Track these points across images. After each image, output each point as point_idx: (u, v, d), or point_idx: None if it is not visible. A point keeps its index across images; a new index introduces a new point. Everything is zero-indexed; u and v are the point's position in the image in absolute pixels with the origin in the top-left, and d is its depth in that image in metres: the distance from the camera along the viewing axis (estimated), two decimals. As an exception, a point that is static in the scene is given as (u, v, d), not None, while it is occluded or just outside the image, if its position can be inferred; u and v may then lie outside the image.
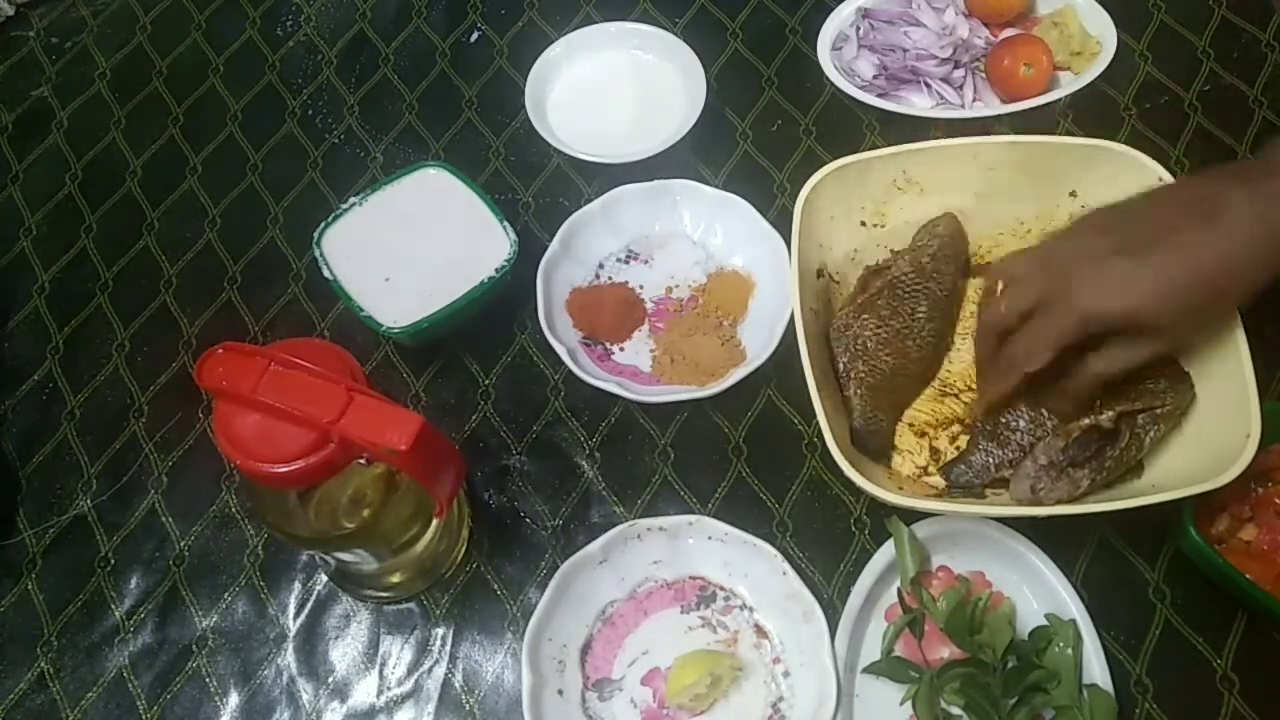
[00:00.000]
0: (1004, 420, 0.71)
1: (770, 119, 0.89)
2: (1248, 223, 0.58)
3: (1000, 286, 0.66)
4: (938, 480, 0.72)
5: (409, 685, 0.69)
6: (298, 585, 0.72)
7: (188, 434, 0.77)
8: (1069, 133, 0.85)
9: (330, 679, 0.69)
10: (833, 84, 0.87)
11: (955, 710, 0.65)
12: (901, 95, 0.87)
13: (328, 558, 0.70)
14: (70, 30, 0.97)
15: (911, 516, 0.68)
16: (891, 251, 0.78)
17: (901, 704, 0.65)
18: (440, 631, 0.70)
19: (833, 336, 0.73)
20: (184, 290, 0.83)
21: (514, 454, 0.76)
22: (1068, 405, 0.68)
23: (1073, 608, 0.66)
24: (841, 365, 0.72)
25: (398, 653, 0.70)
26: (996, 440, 0.70)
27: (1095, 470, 0.66)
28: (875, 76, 0.88)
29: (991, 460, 0.70)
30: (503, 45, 0.94)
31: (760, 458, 0.75)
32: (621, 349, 0.78)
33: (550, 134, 0.85)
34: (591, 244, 0.81)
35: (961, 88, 0.87)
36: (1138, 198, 0.66)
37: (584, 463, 0.75)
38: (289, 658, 0.70)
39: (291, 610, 0.71)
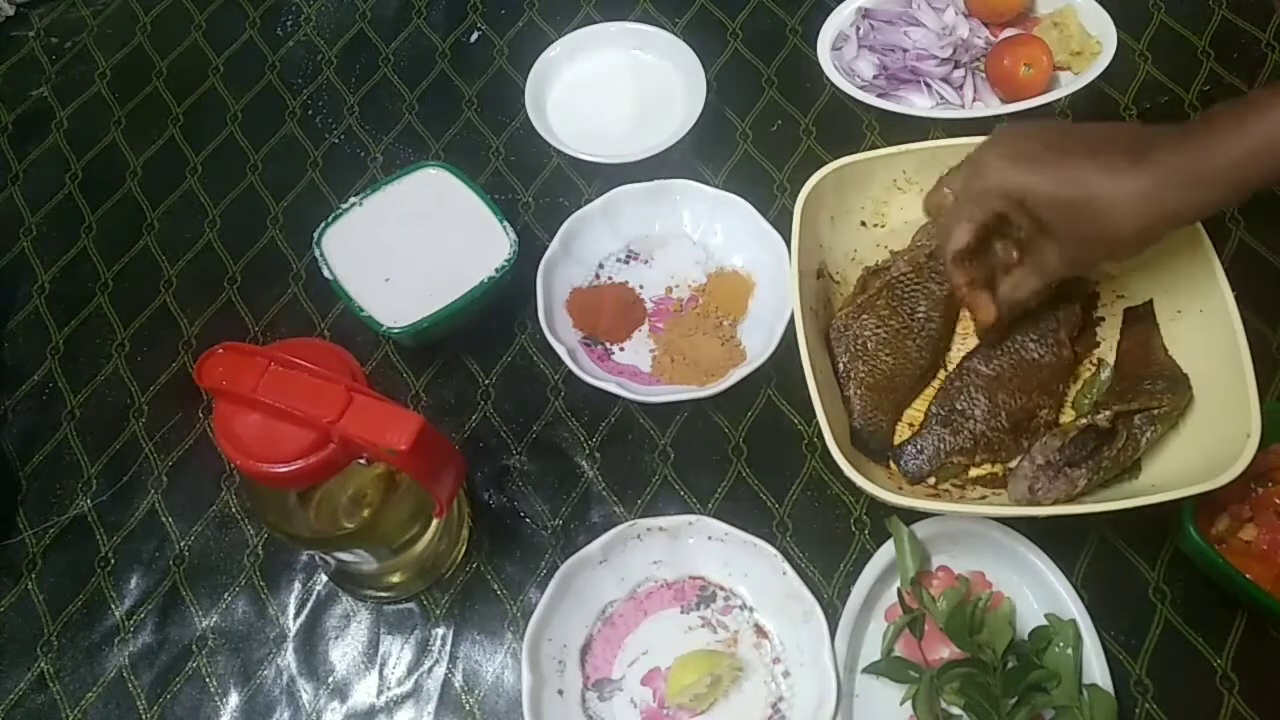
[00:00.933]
0: (959, 408, 0.71)
1: (770, 119, 0.89)
2: (1170, 163, 0.58)
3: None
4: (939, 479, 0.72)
5: (409, 685, 0.69)
6: (298, 585, 0.72)
7: (188, 434, 0.77)
8: (1069, 133, 0.85)
9: (330, 679, 0.69)
10: (833, 84, 0.87)
11: (955, 710, 0.65)
12: (901, 95, 0.87)
13: (328, 558, 0.70)
14: (70, 30, 0.97)
15: (911, 516, 0.68)
16: (891, 252, 0.78)
17: (901, 704, 0.65)
18: (440, 631, 0.70)
19: (833, 336, 0.73)
20: (184, 290, 0.83)
21: (514, 454, 0.76)
22: (991, 335, 0.71)
23: (1073, 608, 0.66)
24: (841, 365, 0.72)
25: (398, 653, 0.70)
26: (950, 427, 0.71)
27: (1092, 470, 0.66)
28: (875, 76, 0.88)
29: (943, 446, 0.71)
30: (503, 45, 0.94)
31: (760, 458, 0.75)
32: (621, 349, 0.78)
33: (550, 134, 0.85)
34: (591, 244, 0.81)
35: (961, 88, 0.87)
36: (1081, 123, 0.68)
37: (584, 463, 0.75)
38: (289, 658, 0.70)
39: (291, 610, 0.71)
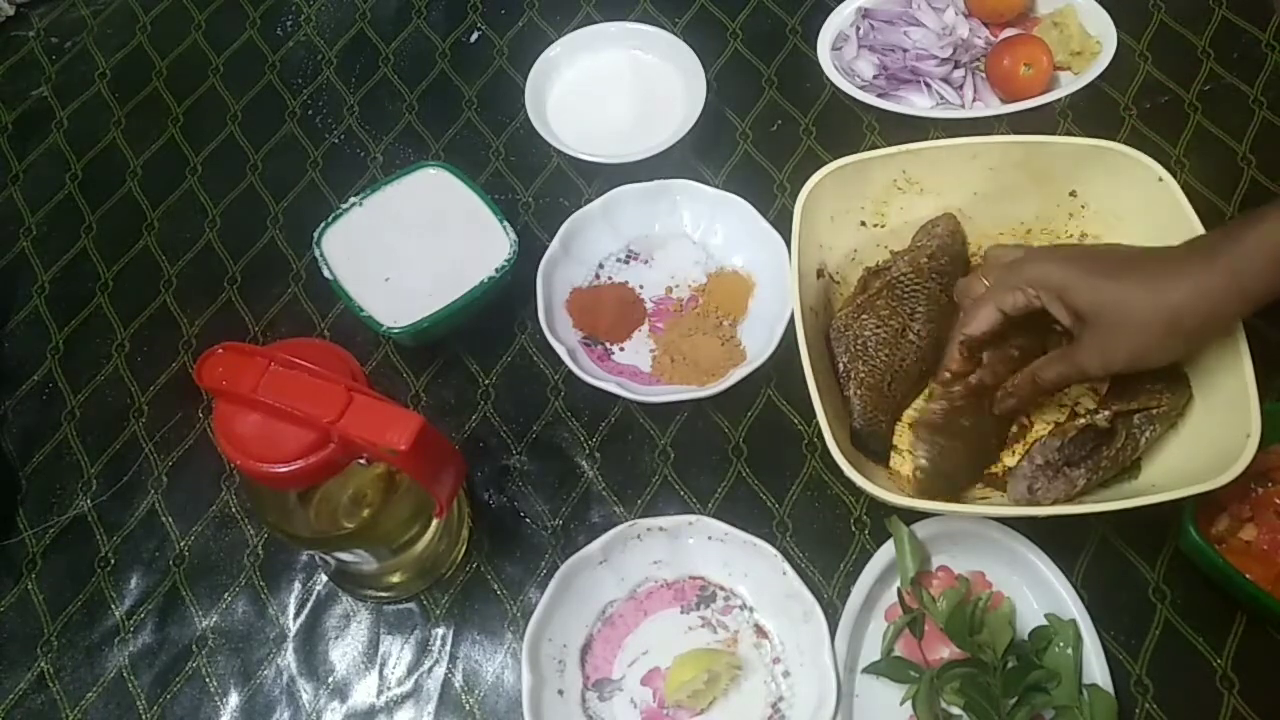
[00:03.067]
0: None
1: (770, 119, 0.89)
2: (1212, 274, 0.60)
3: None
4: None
5: (409, 685, 0.69)
6: (298, 585, 0.72)
7: (188, 434, 0.77)
8: (1069, 133, 0.85)
9: (330, 679, 0.69)
10: (833, 84, 0.87)
11: (955, 710, 0.65)
12: (901, 95, 0.87)
13: (328, 558, 0.70)
14: (70, 30, 0.97)
15: (911, 516, 0.68)
16: (891, 252, 0.78)
17: (901, 704, 0.65)
18: (440, 631, 0.70)
19: (833, 336, 0.73)
20: (184, 290, 0.83)
21: (514, 454, 0.76)
22: (1008, 402, 0.69)
23: (1073, 608, 0.66)
24: (841, 365, 0.72)
25: (398, 653, 0.70)
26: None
27: (1091, 470, 0.66)
28: (875, 76, 0.88)
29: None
30: (503, 45, 0.94)
31: (760, 458, 0.75)
32: (621, 349, 0.78)
33: (550, 134, 0.85)
34: (591, 244, 0.81)
35: (961, 88, 0.87)
36: (1127, 245, 0.69)
37: (584, 463, 0.75)
38: (289, 658, 0.70)
39: (291, 610, 0.71)
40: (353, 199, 0.78)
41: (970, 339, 0.67)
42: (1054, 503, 0.66)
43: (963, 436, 0.70)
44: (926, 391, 0.74)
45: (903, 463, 0.72)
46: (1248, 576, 0.64)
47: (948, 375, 0.70)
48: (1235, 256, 0.59)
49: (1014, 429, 0.73)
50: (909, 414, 0.74)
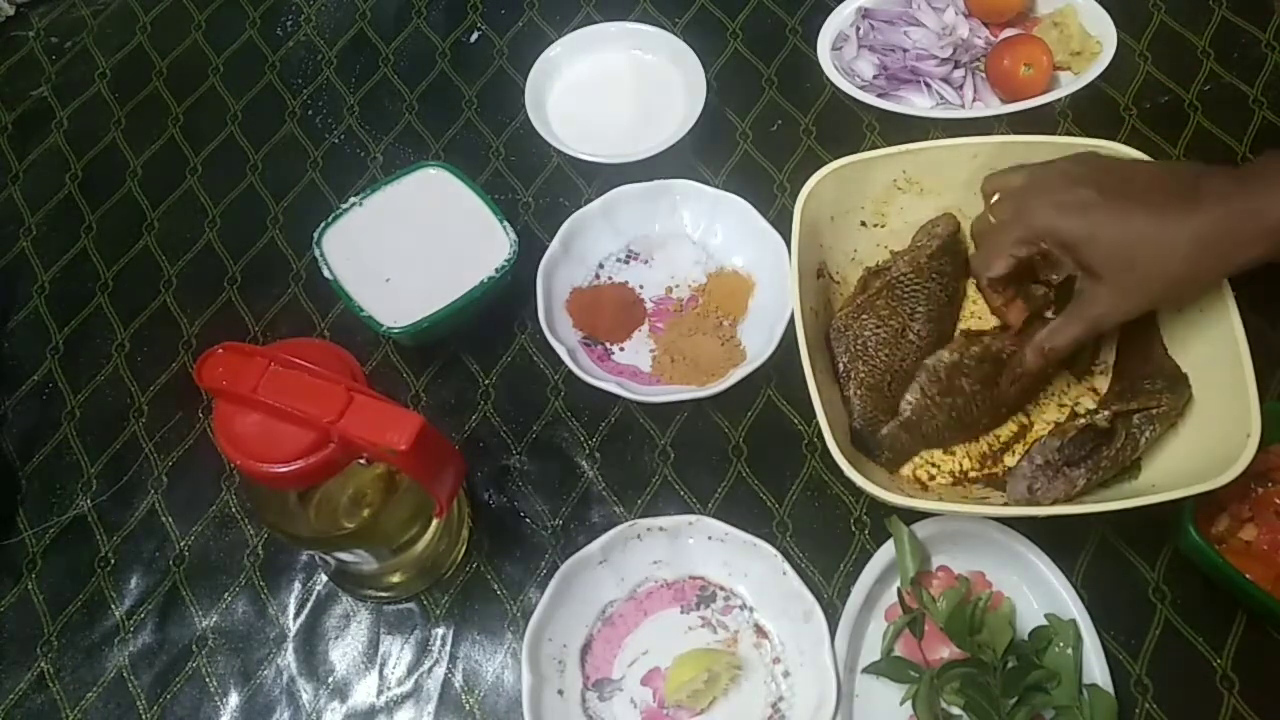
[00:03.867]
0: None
1: (770, 119, 0.89)
2: (1221, 213, 0.58)
3: (993, 198, 0.69)
4: (939, 480, 0.72)
5: (409, 685, 0.69)
6: (298, 585, 0.72)
7: (188, 434, 0.77)
8: (1069, 133, 0.85)
9: (330, 679, 0.69)
10: (833, 84, 0.87)
11: (955, 710, 0.65)
12: (901, 95, 0.87)
13: (328, 558, 0.70)
14: (70, 30, 0.97)
15: (911, 516, 0.68)
16: (891, 252, 0.78)
17: (901, 704, 0.65)
18: (440, 631, 0.70)
19: (833, 336, 0.73)
20: (184, 290, 0.83)
21: (514, 454, 0.76)
22: (1011, 390, 0.69)
23: (1073, 608, 0.66)
24: (841, 365, 0.72)
25: (398, 653, 0.70)
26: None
27: (1091, 470, 0.66)
28: (875, 76, 0.88)
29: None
30: (503, 45, 0.94)
31: (760, 458, 0.75)
32: (621, 349, 0.78)
33: (550, 134, 0.85)
34: (591, 244, 0.81)
35: (961, 88, 0.87)
36: (1131, 160, 0.68)
37: (584, 463, 0.75)
38: (289, 658, 0.70)
39: (291, 610, 0.71)
40: (353, 199, 0.78)
41: (994, 280, 0.67)
42: (1054, 503, 0.66)
43: (955, 397, 0.70)
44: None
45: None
46: (1248, 576, 0.64)
47: (998, 307, 0.69)
48: (1256, 190, 0.58)
49: (1014, 428, 0.73)
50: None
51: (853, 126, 0.88)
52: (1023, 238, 0.64)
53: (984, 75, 0.88)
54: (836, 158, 0.73)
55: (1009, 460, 0.72)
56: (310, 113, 0.91)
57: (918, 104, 0.87)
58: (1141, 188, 0.62)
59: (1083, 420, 0.67)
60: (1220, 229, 0.59)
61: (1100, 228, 0.61)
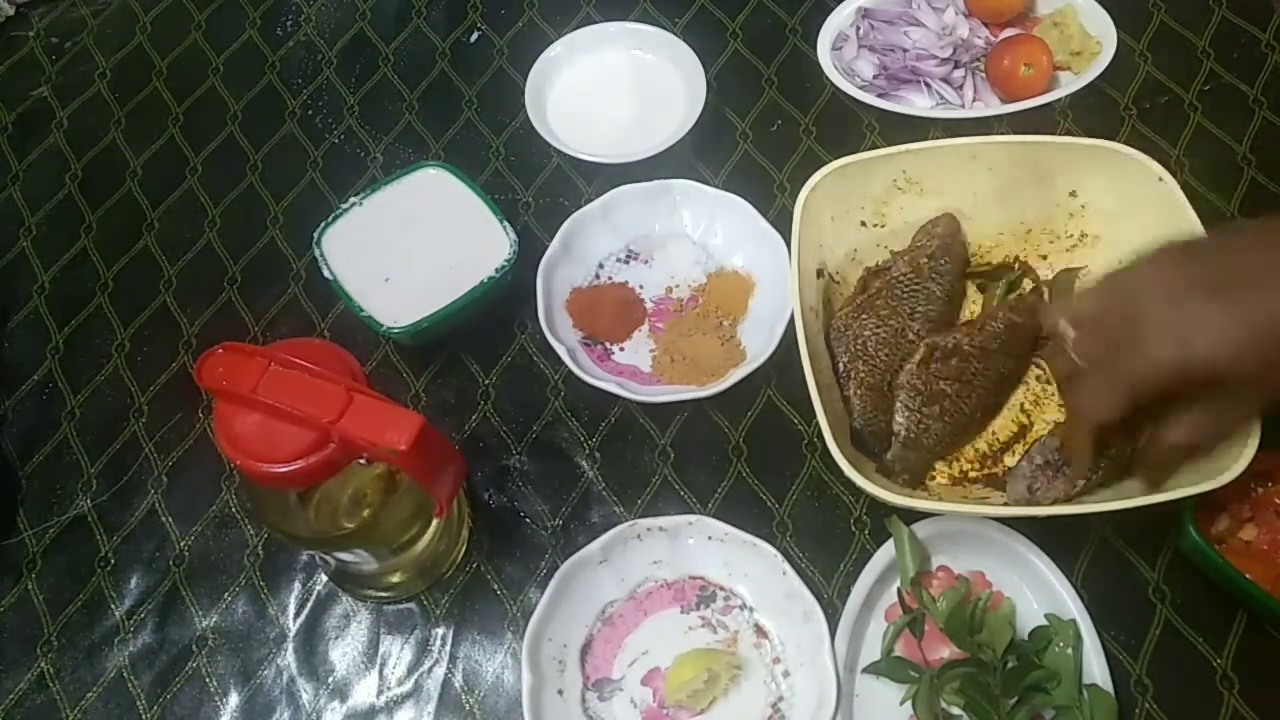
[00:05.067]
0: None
1: (770, 119, 0.89)
2: None
3: (1068, 332, 0.59)
4: (939, 480, 0.72)
5: (409, 685, 0.69)
6: (298, 585, 0.72)
7: (188, 434, 0.77)
8: (1069, 133, 0.85)
9: (330, 679, 0.69)
10: (833, 84, 0.87)
11: (955, 710, 0.65)
12: (901, 95, 0.87)
13: (328, 558, 0.70)
14: (70, 30, 0.97)
15: (911, 516, 0.68)
16: (891, 252, 0.78)
17: (901, 704, 0.65)
18: (440, 631, 0.70)
19: (832, 336, 0.73)
20: (184, 290, 0.83)
21: (514, 454, 0.76)
22: (1148, 475, 0.63)
23: (1073, 608, 0.66)
24: (841, 365, 0.72)
25: (398, 653, 0.70)
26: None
27: (1091, 470, 0.66)
28: (875, 76, 0.88)
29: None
30: (503, 45, 0.94)
31: (760, 458, 0.75)
32: (621, 349, 0.78)
33: (550, 134, 0.85)
34: (591, 244, 0.81)
35: (961, 88, 0.87)
36: (1222, 231, 0.59)
37: (584, 463, 0.75)
38: (289, 658, 0.70)
39: (291, 610, 0.71)
40: (353, 199, 0.78)
41: (1100, 426, 0.59)
42: (1054, 502, 0.66)
43: (939, 402, 0.70)
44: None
45: (902, 462, 0.72)
46: (1248, 576, 0.64)
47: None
48: None
49: (1014, 428, 0.73)
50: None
51: (853, 126, 0.88)
52: (1143, 378, 0.54)
53: (984, 75, 0.88)
54: (836, 158, 0.73)
55: (1009, 460, 0.72)
56: (310, 113, 0.91)
57: (918, 104, 0.87)
58: (1253, 259, 0.53)
59: None
60: None
61: (1238, 340, 0.51)
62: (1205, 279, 0.52)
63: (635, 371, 0.77)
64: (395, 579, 0.70)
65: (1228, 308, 0.51)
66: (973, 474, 0.72)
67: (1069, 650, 0.65)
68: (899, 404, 0.71)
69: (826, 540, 0.72)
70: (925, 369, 0.71)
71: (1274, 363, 0.51)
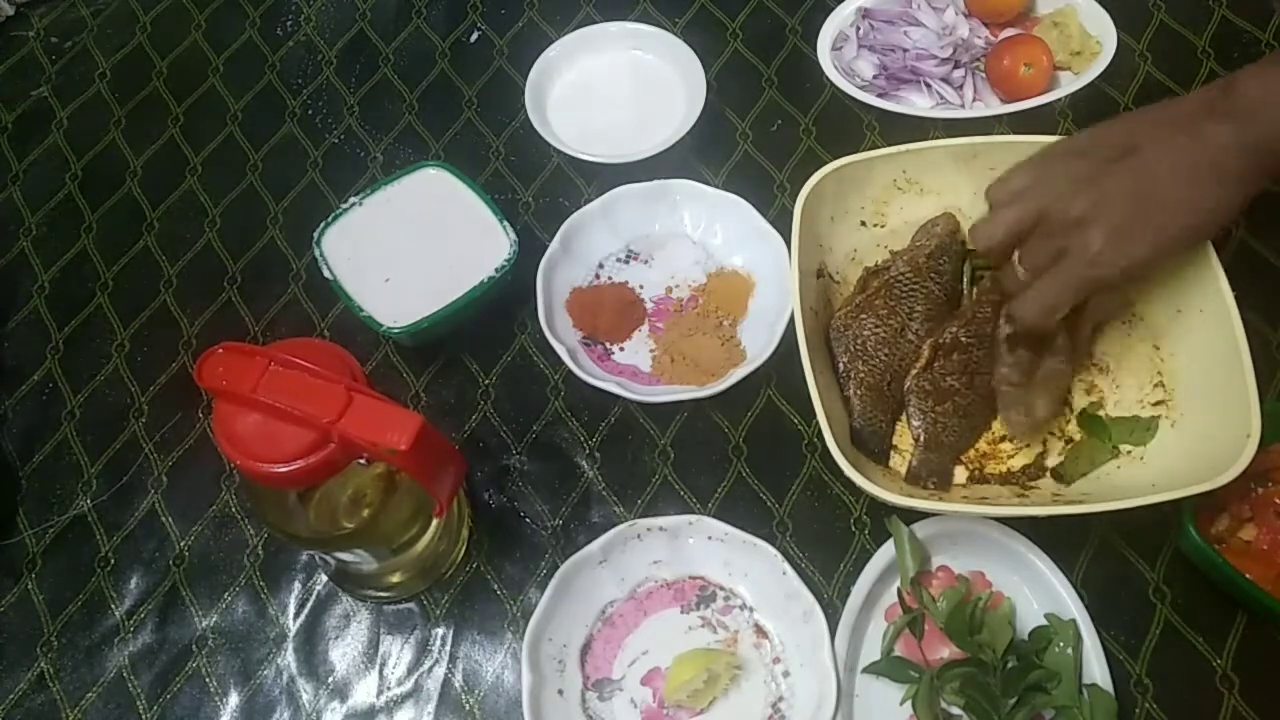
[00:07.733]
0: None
1: (770, 119, 0.89)
2: (1249, 178, 0.60)
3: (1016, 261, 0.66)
4: (957, 481, 0.72)
5: (409, 685, 0.69)
6: (298, 585, 0.72)
7: (188, 434, 0.77)
8: (1069, 132, 0.85)
9: (330, 679, 0.69)
10: (833, 84, 0.87)
11: (955, 710, 0.65)
12: (901, 95, 0.87)
13: (328, 558, 0.70)
14: (70, 30, 0.97)
15: (911, 516, 0.68)
16: (891, 252, 0.78)
17: (901, 704, 0.65)
18: (440, 631, 0.70)
19: (832, 336, 0.73)
20: (184, 290, 0.83)
21: (514, 454, 0.76)
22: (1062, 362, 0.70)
23: (1073, 608, 0.66)
24: (841, 365, 0.72)
25: (398, 653, 0.70)
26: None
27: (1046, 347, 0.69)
28: (875, 76, 0.88)
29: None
30: (503, 45, 0.94)
31: (760, 458, 0.75)
32: (621, 349, 0.78)
33: (550, 134, 0.85)
34: (591, 244, 0.81)
35: (961, 88, 0.87)
36: (1120, 123, 0.65)
37: (584, 463, 0.75)
38: (289, 658, 0.70)
39: (291, 610, 0.71)
40: (353, 199, 0.78)
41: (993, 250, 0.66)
42: (1046, 406, 0.69)
43: (951, 399, 0.71)
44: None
45: (902, 462, 0.72)
46: (1248, 576, 0.64)
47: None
48: (1241, 110, 0.59)
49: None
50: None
51: (853, 126, 0.88)
52: (1088, 287, 0.63)
53: (984, 75, 0.88)
54: (836, 158, 0.73)
55: (1018, 459, 0.72)
56: (310, 113, 0.91)
57: (918, 104, 0.87)
58: (1164, 179, 0.61)
59: (1007, 329, 0.69)
60: (1244, 195, 0.60)
61: (1157, 247, 0.62)
62: (1125, 189, 0.61)
63: (635, 371, 0.77)
64: (395, 579, 0.70)
65: (1155, 219, 0.61)
66: (973, 474, 0.72)
67: (1069, 650, 0.65)
68: (911, 410, 0.71)
69: (826, 540, 0.72)
70: (930, 371, 0.71)
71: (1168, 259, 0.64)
